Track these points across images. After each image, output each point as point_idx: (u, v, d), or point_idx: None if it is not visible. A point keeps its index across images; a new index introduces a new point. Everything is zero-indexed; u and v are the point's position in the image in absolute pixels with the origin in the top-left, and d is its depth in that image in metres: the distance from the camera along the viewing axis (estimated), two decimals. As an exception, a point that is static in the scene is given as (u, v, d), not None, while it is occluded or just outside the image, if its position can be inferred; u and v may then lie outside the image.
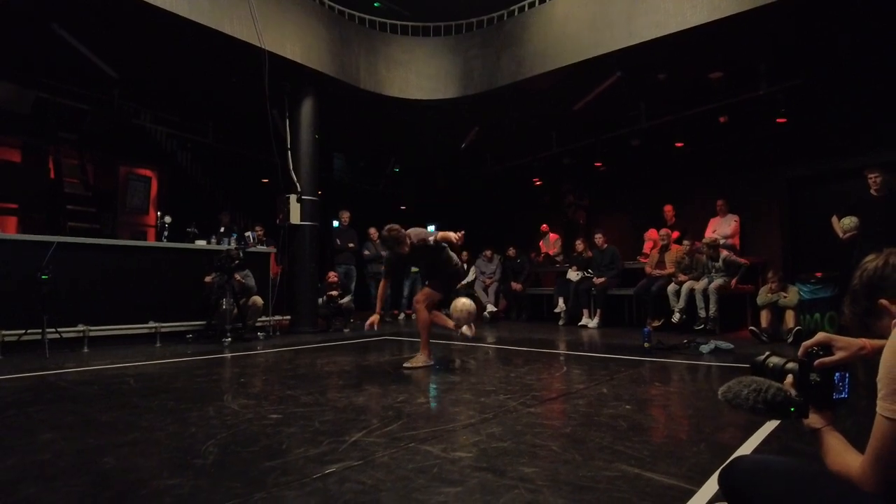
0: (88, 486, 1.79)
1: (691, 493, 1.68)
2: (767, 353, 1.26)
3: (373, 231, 9.40)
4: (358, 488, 1.74)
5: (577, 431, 2.42)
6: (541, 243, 10.31)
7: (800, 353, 1.17)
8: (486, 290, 9.51)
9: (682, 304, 6.76)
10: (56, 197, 7.66)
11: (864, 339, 1.16)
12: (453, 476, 1.85)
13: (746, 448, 2.17)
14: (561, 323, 8.28)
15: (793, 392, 1.12)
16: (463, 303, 4.57)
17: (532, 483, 1.78)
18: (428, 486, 1.76)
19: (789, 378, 1.16)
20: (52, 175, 7.88)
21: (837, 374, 1.13)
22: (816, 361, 1.13)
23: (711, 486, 1.70)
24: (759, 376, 1.18)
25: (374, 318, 4.50)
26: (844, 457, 1.07)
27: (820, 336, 1.16)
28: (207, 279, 6.37)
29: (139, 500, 1.67)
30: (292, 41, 7.07)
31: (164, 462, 2.06)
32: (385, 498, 1.67)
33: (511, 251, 9.74)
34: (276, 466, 1.96)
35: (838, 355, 1.13)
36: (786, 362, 1.21)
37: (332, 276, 7.98)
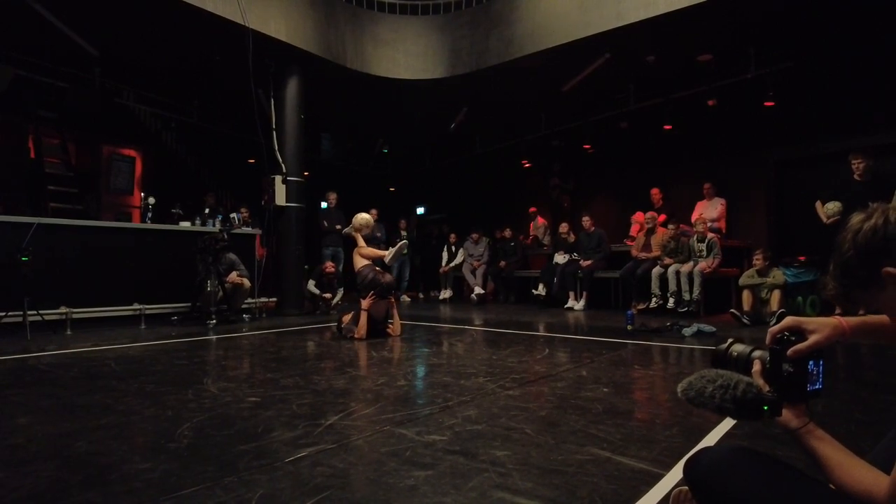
0: (58, 470, 1.78)
1: (659, 477, 1.70)
2: (731, 340, 1.13)
3: (374, 213, 9.36)
4: (329, 472, 1.75)
5: (553, 414, 2.44)
6: (531, 225, 10.33)
7: (767, 340, 1.04)
8: (474, 272, 9.53)
9: (672, 287, 6.79)
10: (37, 177, 7.53)
11: (838, 318, 1.03)
12: (425, 459, 1.86)
13: (720, 430, 2.19)
14: (538, 296, 8.36)
15: (763, 385, 1.00)
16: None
17: (503, 466, 1.79)
18: (399, 469, 1.77)
19: (756, 366, 1.04)
20: (32, 155, 7.74)
21: (811, 361, 0.99)
22: (791, 349, 0.99)
23: (679, 469, 1.72)
24: (722, 368, 1.06)
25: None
26: (856, 474, 0.91)
27: (788, 320, 1.04)
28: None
29: (108, 485, 1.66)
30: (277, 19, 6.94)
31: (137, 446, 2.06)
32: (355, 482, 1.68)
33: (507, 232, 9.74)
34: (249, 450, 1.96)
35: (812, 340, 0.99)
36: (752, 350, 1.08)
37: (330, 267, 7.74)
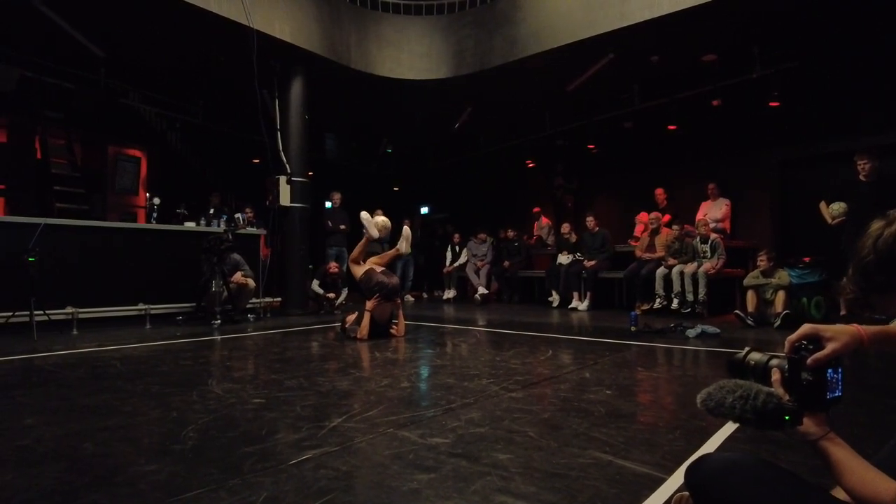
0: (65, 472, 1.80)
1: (661, 482, 1.70)
2: (747, 349, 1.13)
3: (379, 213, 9.36)
4: (332, 475, 1.76)
5: (555, 417, 2.44)
6: (535, 225, 10.33)
7: (786, 349, 1.03)
8: (477, 272, 9.53)
9: (676, 288, 6.77)
10: (43, 177, 7.58)
11: (856, 326, 1.02)
12: (428, 462, 1.87)
13: (722, 434, 2.19)
14: (554, 305, 8.33)
15: (783, 395, 0.99)
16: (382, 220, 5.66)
17: (505, 470, 1.80)
18: (402, 472, 1.78)
19: (776, 374, 1.03)
20: (38, 155, 7.80)
21: (830, 369, 0.98)
22: (811, 358, 0.98)
23: (682, 474, 1.72)
24: (739, 377, 1.07)
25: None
26: (868, 479, 0.91)
27: (805, 328, 1.02)
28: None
29: (114, 487, 1.68)
30: (281, 20, 6.96)
31: (143, 448, 2.07)
32: (358, 484, 1.69)
33: (510, 233, 9.73)
34: (253, 452, 1.98)
35: (830, 348, 0.98)
36: (769, 358, 1.07)
37: (334, 267, 7.77)
